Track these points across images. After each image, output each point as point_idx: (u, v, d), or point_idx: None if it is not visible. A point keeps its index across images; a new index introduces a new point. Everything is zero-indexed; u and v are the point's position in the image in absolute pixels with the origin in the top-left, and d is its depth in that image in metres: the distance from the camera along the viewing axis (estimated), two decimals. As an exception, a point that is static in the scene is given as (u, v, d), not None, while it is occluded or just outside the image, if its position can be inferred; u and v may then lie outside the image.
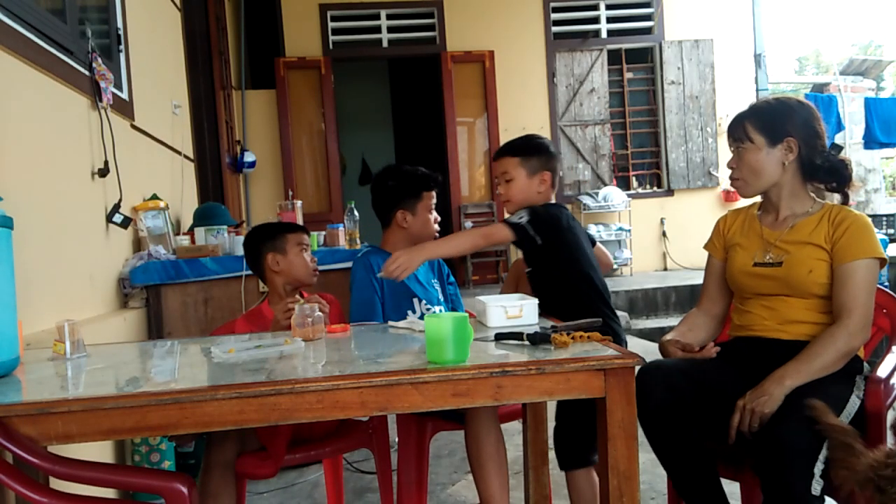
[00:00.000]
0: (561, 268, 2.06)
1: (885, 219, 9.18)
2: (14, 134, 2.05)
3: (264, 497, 2.75)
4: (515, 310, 1.75)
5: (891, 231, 9.06)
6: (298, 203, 3.45)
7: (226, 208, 3.69)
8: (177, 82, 4.24)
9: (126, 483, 1.42)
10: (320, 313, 1.76)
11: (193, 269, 2.97)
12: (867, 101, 8.90)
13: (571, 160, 7.49)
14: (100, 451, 2.37)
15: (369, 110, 9.16)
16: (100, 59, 2.66)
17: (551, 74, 7.44)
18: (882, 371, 1.70)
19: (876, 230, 1.80)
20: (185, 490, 1.25)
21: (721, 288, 1.97)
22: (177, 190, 3.86)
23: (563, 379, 1.33)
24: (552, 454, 2.08)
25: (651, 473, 2.55)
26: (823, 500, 1.49)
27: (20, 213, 1.72)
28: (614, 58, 7.63)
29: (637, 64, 7.74)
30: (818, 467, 1.46)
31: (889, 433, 1.60)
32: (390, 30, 7.26)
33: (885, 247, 3.59)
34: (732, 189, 2.11)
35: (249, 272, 2.62)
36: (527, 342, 1.48)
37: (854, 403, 1.63)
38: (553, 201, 2.19)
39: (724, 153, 4.41)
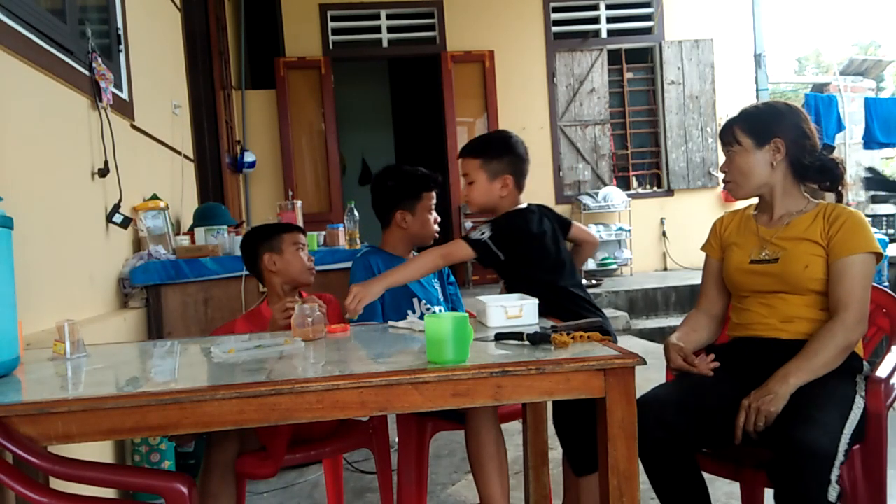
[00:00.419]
0: (523, 279, 2.05)
1: (885, 219, 9.17)
2: (14, 134, 2.05)
3: (264, 497, 2.75)
4: (515, 310, 1.75)
5: (891, 231, 9.06)
6: (298, 203, 3.45)
7: (226, 208, 3.69)
8: (177, 82, 4.24)
9: (126, 483, 1.42)
10: (320, 313, 1.76)
11: (193, 269, 2.97)
12: (867, 101, 8.90)
13: (571, 160, 7.49)
14: (100, 451, 2.37)
15: (369, 110, 9.16)
16: (100, 59, 2.66)
17: (551, 74, 7.44)
18: (882, 371, 1.70)
19: (876, 230, 1.80)
20: (185, 490, 1.25)
21: (719, 288, 1.97)
22: (177, 190, 3.86)
23: (563, 379, 1.33)
24: (552, 454, 2.09)
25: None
26: None
27: (20, 213, 1.72)
28: (614, 58, 7.63)
29: (637, 64, 7.74)
30: (834, 473, 1.46)
31: None
32: (390, 30, 7.26)
33: (885, 247, 3.60)
34: (731, 190, 2.12)
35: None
36: (527, 342, 1.48)
37: (859, 404, 1.63)
38: (521, 204, 2.14)
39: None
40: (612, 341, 1.52)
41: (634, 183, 7.68)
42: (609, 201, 7.18)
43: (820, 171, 1.81)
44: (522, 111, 7.34)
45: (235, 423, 1.27)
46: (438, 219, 2.43)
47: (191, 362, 1.64)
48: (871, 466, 1.62)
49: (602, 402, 1.36)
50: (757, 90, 7.77)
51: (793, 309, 1.77)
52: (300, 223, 3.26)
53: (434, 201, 2.41)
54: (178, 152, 3.99)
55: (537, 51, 7.42)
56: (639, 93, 7.82)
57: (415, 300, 2.31)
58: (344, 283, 2.45)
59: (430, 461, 2.29)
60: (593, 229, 7.08)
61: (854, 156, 9.76)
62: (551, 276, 2.07)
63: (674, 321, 5.79)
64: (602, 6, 7.58)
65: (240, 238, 2.65)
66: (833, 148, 1.90)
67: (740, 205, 2.02)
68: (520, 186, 2.13)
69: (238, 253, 2.66)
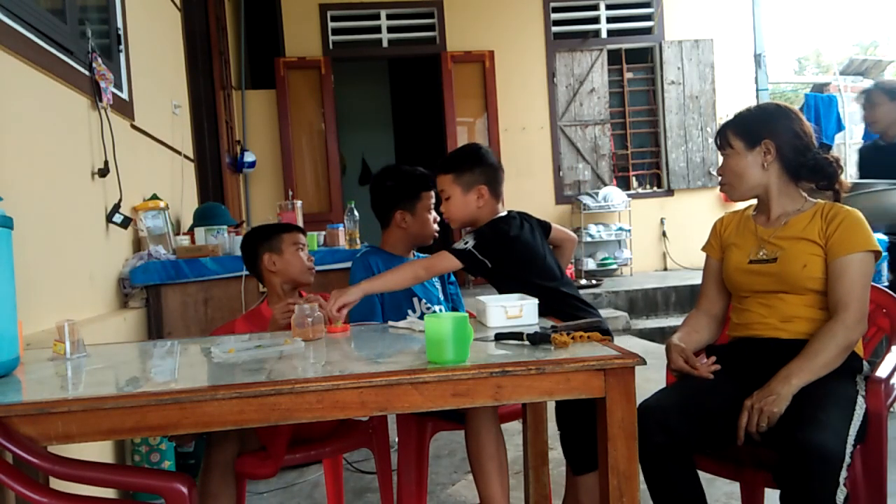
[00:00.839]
0: (513, 284, 2.05)
1: (885, 219, 9.15)
2: (14, 134, 2.05)
3: (264, 497, 2.75)
4: (515, 310, 1.76)
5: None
6: (298, 203, 3.46)
7: (226, 208, 3.69)
8: (177, 82, 4.24)
9: (126, 483, 1.42)
10: (320, 313, 1.76)
11: (193, 269, 2.97)
12: (867, 101, 8.88)
13: (571, 160, 7.49)
14: (100, 451, 2.37)
15: (369, 110, 9.16)
16: (100, 59, 2.66)
17: (551, 74, 7.44)
18: (882, 371, 1.70)
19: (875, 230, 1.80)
20: (185, 490, 1.25)
21: (719, 288, 1.98)
22: (177, 190, 3.86)
23: (563, 379, 1.33)
24: (552, 454, 2.08)
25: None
26: None
27: (20, 213, 1.72)
28: (614, 58, 7.63)
29: (637, 64, 7.74)
30: (842, 475, 1.45)
31: None
32: (390, 30, 7.26)
33: (885, 247, 3.59)
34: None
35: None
36: (527, 342, 1.48)
37: (861, 405, 1.62)
38: (501, 212, 2.15)
39: (724, 153, 4.37)
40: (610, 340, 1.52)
41: (634, 183, 7.68)
42: (609, 201, 7.18)
43: (813, 171, 1.82)
44: (522, 111, 7.34)
45: (235, 423, 1.27)
46: (438, 218, 2.43)
47: (191, 362, 1.64)
48: (872, 466, 1.62)
49: (602, 402, 1.36)
50: (757, 90, 7.77)
51: (792, 308, 1.78)
52: (300, 223, 3.26)
53: (433, 201, 2.41)
54: (178, 152, 4.00)
55: (537, 51, 7.42)
56: (639, 93, 7.81)
57: (415, 300, 2.31)
58: (344, 283, 2.45)
59: (430, 461, 2.29)
60: (594, 229, 7.11)
61: (854, 156, 9.74)
62: (541, 279, 2.08)
63: (674, 321, 5.80)
64: (602, 6, 7.57)
65: (240, 238, 2.66)
66: (829, 147, 1.90)
67: (740, 205, 2.03)
68: (496, 195, 2.14)
69: (238, 253, 2.66)
